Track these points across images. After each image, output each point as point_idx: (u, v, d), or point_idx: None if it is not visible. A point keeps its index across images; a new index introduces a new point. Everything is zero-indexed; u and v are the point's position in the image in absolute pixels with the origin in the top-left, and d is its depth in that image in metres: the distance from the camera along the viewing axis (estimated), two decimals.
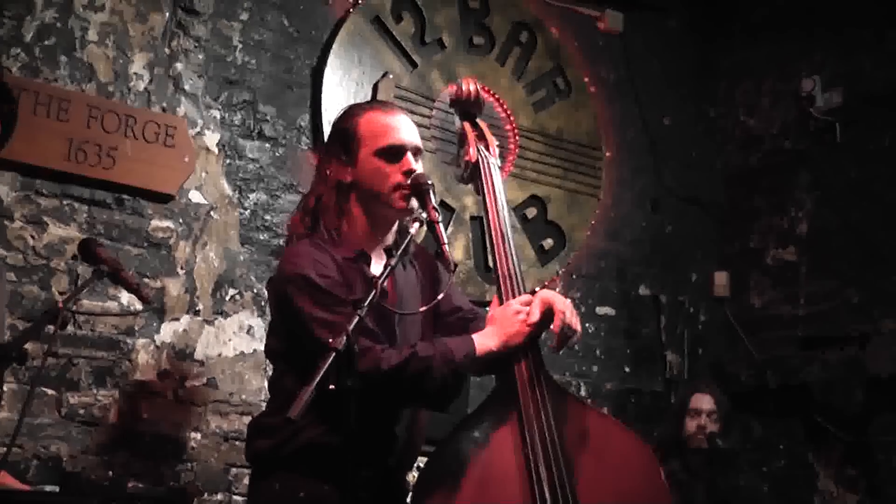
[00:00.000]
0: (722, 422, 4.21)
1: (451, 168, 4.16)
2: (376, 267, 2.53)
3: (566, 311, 2.51)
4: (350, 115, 2.67)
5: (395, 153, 2.55)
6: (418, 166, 2.57)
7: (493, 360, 2.52)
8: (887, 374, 4.40)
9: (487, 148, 2.84)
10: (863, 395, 4.47)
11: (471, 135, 2.86)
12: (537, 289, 2.74)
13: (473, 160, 2.81)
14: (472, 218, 4.31)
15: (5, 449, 2.71)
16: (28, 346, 2.47)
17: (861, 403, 4.47)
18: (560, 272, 4.59)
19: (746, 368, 4.91)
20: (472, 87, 2.91)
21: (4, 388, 3.19)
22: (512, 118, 4.50)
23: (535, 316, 2.52)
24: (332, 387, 2.02)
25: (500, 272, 2.66)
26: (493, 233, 2.71)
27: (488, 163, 2.81)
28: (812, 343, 4.72)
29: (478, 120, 2.93)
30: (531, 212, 4.51)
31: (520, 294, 2.61)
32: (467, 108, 2.92)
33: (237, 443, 3.61)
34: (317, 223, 2.58)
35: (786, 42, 5.09)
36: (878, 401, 4.44)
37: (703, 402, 4.24)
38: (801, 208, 4.94)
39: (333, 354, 2.05)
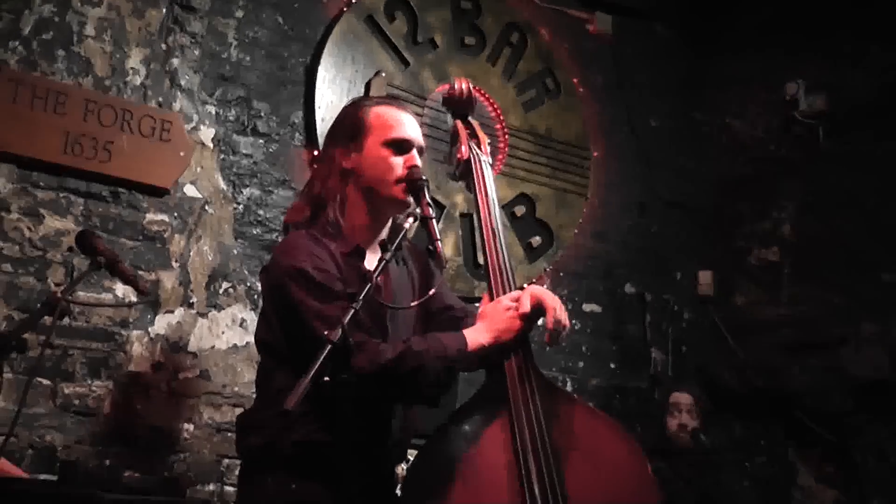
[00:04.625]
0: (702, 417, 4.27)
1: (441, 166, 4.20)
2: (371, 261, 2.54)
3: (556, 306, 2.53)
4: (360, 104, 2.70)
5: (402, 146, 2.59)
6: (419, 164, 2.61)
7: (484, 356, 2.52)
8: (866, 377, 4.49)
9: (479, 146, 2.88)
10: (842, 397, 4.55)
11: (463, 133, 2.90)
12: (525, 285, 2.75)
13: (465, 158, 2.85)
14: (462, 215, 4.36)
15: (3, 438, 2.72)
16: (25, 336, 2.49)
17: (840, 405, 4.55)
18: (548, 270, 4.64)
19: (729, 370, 4.98)
20: (464, 87, 2.95)
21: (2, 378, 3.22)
22: (502, 117, 4.56)
23: (526, 307, 2.52)
24: (326, 379, 2.03)
25: (490, 268, 2.67)
26: (484, 229, 2.72)
27: (480, 160, 2.84)
28: (794, 346, 4.79)
29: (470, 119, 2.96)
30: (520, 210, 4.56)
31: (510, 290, 2.62)
32: (460, 106, 2.96)
33: (229, 434, 3.64)
34: (316, 214, 2.59)
35: (772, 52, 5.18)
36: (857, 403, 4.52)
37: (682, 398, 4.32)
38: (785, 214, 5.02)
39: (329, 347, 2.06)
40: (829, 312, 4.72)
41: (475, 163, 2.84)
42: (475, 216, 2.81)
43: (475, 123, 2.96)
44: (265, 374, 2.60)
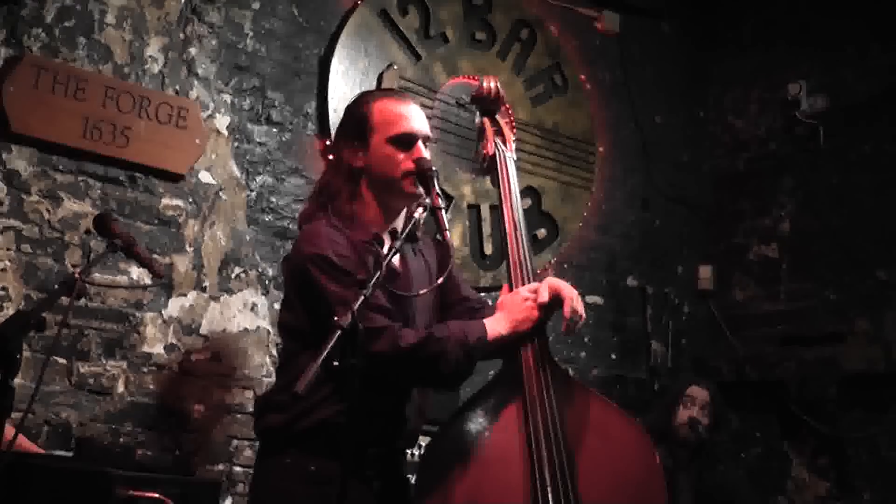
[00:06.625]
0: (713, 417, 4.27)
1: (451, 157, 4.27)
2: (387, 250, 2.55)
3: (573, 296, 2.60)
4: (363, 101, 2.72)
5: (407, 141, 2.61)
6: (426, 154, 2.63)
7: (503, 344, 2.59)
8: (860, 371, 4.57)
9: (505, 143, 2.95)
10: (836, 391, 4.63)
11: (490, 130, 2.97)
12: (538, 271, 2.82)
13: (491, 154, 2.92)
14: (470, 206, 4.43)
15: (21, 414, 2.78)
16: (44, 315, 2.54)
17: (834, 399, 4.63)
18: (552, 261, 4.70)
19: (727, 362, 5.05)
20: (493, 86, 3.01)
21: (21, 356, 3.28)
22: (511, 112, 4.60)
23: (544, 297, 2.60)
24: (336, 363, 2.05)
25: (511, 260, 2.74)
26: (506, 223, 2.80)
27: (505, 157, 2.91)
28: (790, 340, 4.86)
29: (497, 116, 3.03)
30: (526, 202, 4.57)
31: (529, 282, 2.69)
32: (487, 104, 3.03)
33: (239, 416, 3.71)
34: (328, 208, 2.62)
35: (773, 52, 5.25)
36: (850, 397, 4.60)
37: (699, 393, 4.28)
38: (784, 211, 5.09)
39: (339, 332, 2.08)
40: (825, 308, 4.80)
41: (500, 159, 2.91)
42: (499, 209, 2.86)
43: (502, 121, 3.02)
44: (287, 358, 2.66)
